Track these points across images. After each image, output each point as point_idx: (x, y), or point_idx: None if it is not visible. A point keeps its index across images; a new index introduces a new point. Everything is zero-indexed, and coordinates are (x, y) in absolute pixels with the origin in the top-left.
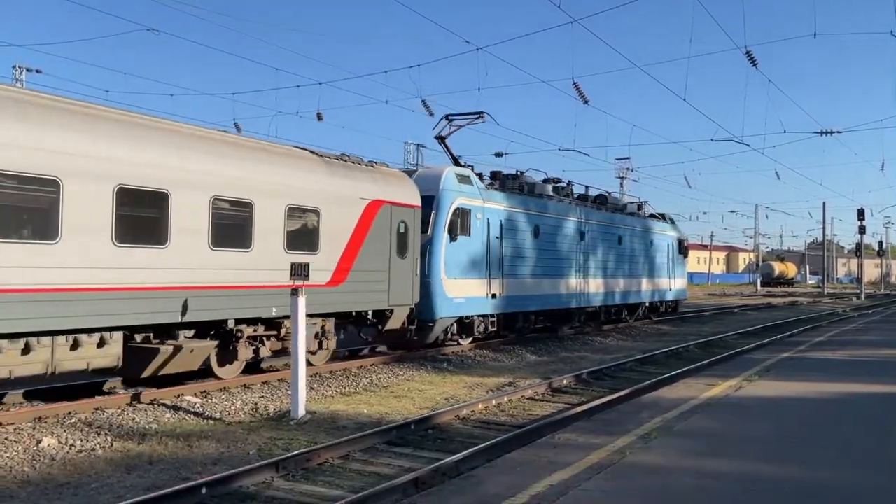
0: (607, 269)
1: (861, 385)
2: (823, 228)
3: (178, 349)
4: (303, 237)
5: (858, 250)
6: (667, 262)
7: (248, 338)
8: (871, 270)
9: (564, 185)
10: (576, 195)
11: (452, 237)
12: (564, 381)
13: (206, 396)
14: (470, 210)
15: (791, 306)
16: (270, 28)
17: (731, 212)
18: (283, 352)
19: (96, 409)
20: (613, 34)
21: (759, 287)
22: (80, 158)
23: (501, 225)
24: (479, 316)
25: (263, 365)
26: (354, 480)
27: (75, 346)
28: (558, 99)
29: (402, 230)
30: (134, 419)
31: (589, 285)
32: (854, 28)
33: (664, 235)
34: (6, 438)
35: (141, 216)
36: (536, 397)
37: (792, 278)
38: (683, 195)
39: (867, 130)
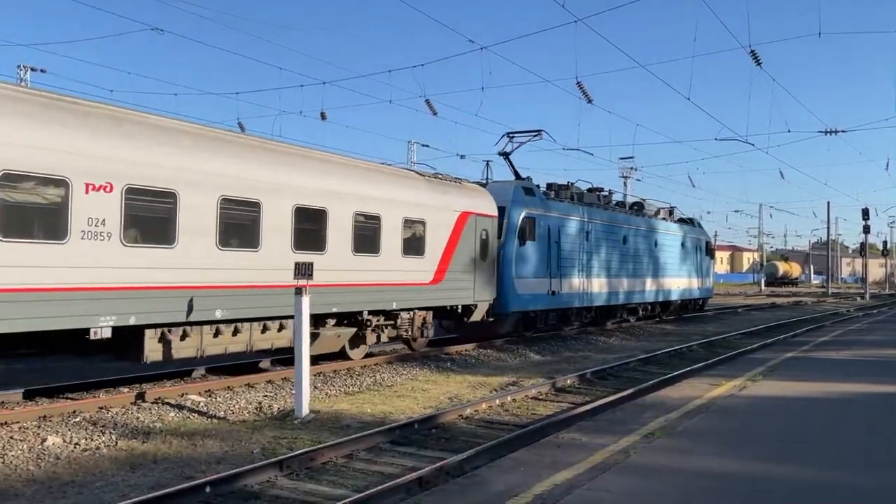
0: (647, 269)
1: (865, 385)
2: (828, 228)
3: (329, 333)
4: (414, 243)
5: (863, 250)
6: (697, 262)
7: (374, 326)
8: (876, 270)
9: (606, 193)
10: (614, 203)
11: (521, 242)
12: (568, 381)
13: (210, 395)
14: (534, 218)
15: (795, 306)
16: (274, 28)
17: (735, 211)
18: (397, 338)
19: (101, 407)
20: (617, 33)
21: (762, 287)
22: (273, 185)
23: (559, 231)
24: (541, 311)
25: (378, 350)
26: (358, 479)
27: (264, 329)
28: (562, 98)
29: (483, 237)
30: (138, 418)
31: (631, 284)
32: (859, 27)
33: (694, 238)
34: (11, 437)
35: (309, 229)
36: (540, 397)
37: (796, 278)
38: (687, 195)
39: (872, 129)
